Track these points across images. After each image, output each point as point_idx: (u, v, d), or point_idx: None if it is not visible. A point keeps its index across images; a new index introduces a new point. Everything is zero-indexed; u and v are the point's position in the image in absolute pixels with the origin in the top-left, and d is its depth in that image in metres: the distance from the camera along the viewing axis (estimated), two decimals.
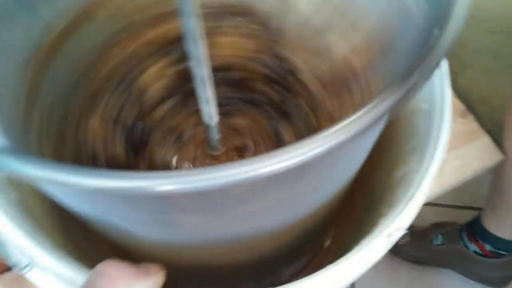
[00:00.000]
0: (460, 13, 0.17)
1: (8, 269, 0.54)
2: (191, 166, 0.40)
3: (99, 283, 0.22)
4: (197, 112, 0.40)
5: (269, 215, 0.24)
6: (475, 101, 0.77)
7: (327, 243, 0.52)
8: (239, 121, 0.43)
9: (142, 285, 0.23)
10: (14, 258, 0.26)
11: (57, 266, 0.25)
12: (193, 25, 0.23)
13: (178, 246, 0.27)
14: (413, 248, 0.88)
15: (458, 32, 0.17)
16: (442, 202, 0.96)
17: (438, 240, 0.88)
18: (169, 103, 0.43)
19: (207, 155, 0.41)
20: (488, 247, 0.82)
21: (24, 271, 0.26)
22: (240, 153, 0.42)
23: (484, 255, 0.83)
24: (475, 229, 0.83)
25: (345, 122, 0.14)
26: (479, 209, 0.85)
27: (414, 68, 0.16)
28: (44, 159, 0.15)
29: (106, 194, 0.17)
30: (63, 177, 0.15)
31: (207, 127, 0.34)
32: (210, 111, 0.31)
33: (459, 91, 0.77)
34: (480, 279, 0.88)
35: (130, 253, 0.34)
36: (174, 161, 0.41)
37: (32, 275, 0.26)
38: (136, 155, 0.40)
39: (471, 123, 0.67)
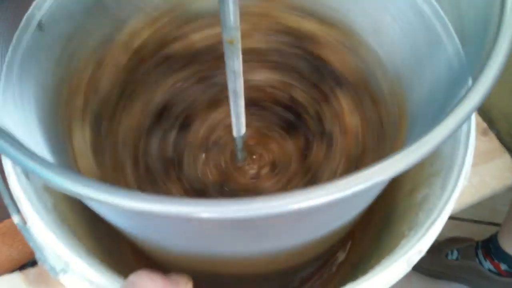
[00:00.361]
0: (497, 65, 0.17)
1: (31, 264, 0.56)
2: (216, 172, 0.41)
3: None
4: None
5: (295, 236, 0.25)
6: (495, 117, 0.76)
7: (342, 256, 0.53)
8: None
9: None
10: (50, 262, 0.27)
11: (90, 272, 0.27)
12: (232, 46, 0.24)
13: (204, 258, 0.28)
14: (427, 261, 0.88)
15: (491, 87, 0.17)
16: (459, 216, 0.96)
17: (454, 255, 0.88)
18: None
19: (233, 166, 0.42)
20: (503, 266, 0.82)
21: (59, 275, 0.27)
22: (264, 165, 0.43)
23: (498, 274, 0.83)
24: (491, 248, 0.83)
25: (382, 164, 0.15)
26: (496, 224, 0.85)
27: (439, 122, 0.17)
28: (89, 179, 0.16)
29: (147, 215, 0.18)
30: (106, 197, 0.16)
31: (234, 139, 0.35)
32: (239, 124, 0.32)
33: (480, 107, 0.76)
34: None
35: (153, 260, 0.36)
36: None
37: (66, 280, 0.27)
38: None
39: (492, 141, 0.67)
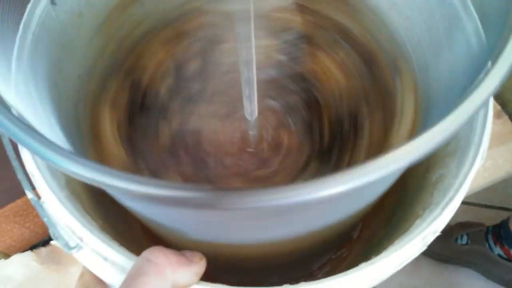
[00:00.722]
0: None
1: (42, 244, 0.56)
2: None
3: (146, 268, 0.23)
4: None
5: (311, 221, 0.25)
6: (508, 101, 0.75)
7: (355, 236, 0.52)
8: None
9: (186, 272, 0.24)
10: (64, 238, 0.27)
11: (104, 248, 0.27)
12: (246, 29, 0.24)
13: (221, 244, 0.28)
14: (437, 245, 0.88)
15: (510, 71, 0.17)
16: (471, 201, 0.95)
17: (463, 239, 0.87)
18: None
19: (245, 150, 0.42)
20: None
21: (73, 251, 0.27)
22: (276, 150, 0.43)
23: (508, 259, 0.82)
24: (501, 233, 0.82)
25: (401, 151, 0.15)
26: (508, 209, 0.84)
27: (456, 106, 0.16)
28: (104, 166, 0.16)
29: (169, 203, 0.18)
30: (121, 184, 0.16)
31: (247, 122, 0.35)
32: (251, 108, 0.32)
33: None
34: (501, 282, 0.87)
35: (166, 242, 0.36)
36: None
37: (80, 256, 0.27)
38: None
39: (506, 124, 0.66)
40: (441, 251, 0.88)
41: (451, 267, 0.91)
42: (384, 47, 0.39)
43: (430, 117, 0.32)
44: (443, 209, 0.29)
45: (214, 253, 0.29)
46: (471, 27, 0.30)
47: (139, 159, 0.38)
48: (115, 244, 0.27)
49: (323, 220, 0.25)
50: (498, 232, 0.83)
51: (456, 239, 0.88)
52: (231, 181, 0.40)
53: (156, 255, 0.24)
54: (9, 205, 0.54)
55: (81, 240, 0.27)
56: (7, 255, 0.55)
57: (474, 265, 0.88)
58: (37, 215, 0.54)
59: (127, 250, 0.27)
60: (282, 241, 0.27)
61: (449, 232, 0.89)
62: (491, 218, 0.89)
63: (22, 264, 0.50)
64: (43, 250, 0.51)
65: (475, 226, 0.88)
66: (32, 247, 0.56)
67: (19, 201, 0.54)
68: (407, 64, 0.36)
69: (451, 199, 0.29)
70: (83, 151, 0.31)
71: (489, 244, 0.85)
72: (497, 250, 0.83)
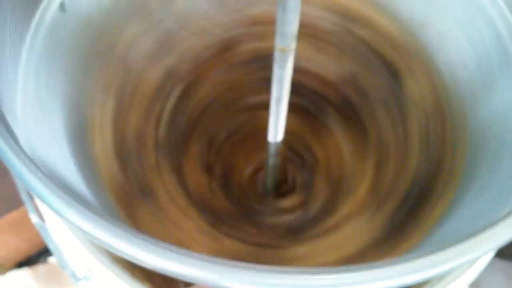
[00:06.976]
0: None
1: (38, 256, 0.54)
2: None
3: None
4: None
5: None
6: None
7: None
8: None
9: None
10: (71, 268, 0.25)
11: (116, 281, 0.24)
12: (284, 53, 0.21)
13: None
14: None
15: None
16: None
17: None
18: None
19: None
20: None
21: (81, 282, 0.25)
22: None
23: None
24: None
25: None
26: None
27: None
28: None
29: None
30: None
31: (268, 146, 0.33)
32: (276, 130, 0.30)
33: None
34: None
35: None
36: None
37: (88, 287, 0.25)
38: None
39: None
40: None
41: None
42: None
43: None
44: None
45: None
46: None
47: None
48: (128, 277, 0.24)
49: None
50: None
51: None
52: None
53: None
54: (4, 217, 0.52)
55: (90, 271, 0.24)
56: (3, 266, 0.52)
57: None
58: (33, 226, 0.52)
59: (140, 284, 0.25)
60: None
61: None
62: None
63: (18, 281, 0.47)
64: (40, 267, 0.48)
65: None
66: (28, 259, 0.53)
67: (15, 213, 0.52)
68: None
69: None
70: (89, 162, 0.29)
71: None
72: None
